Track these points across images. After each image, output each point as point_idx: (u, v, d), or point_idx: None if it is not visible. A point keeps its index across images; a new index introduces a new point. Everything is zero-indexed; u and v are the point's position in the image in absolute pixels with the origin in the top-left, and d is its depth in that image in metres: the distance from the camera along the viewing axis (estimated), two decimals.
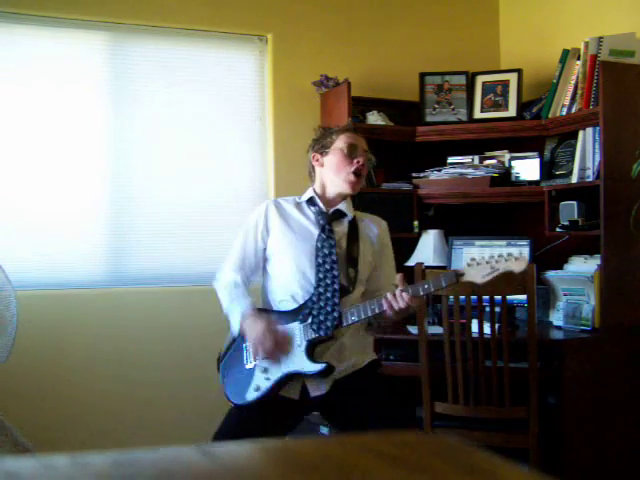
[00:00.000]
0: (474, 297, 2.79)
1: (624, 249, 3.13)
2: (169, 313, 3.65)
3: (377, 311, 2.34)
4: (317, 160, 2.57)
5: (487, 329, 2.74)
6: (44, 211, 3.49)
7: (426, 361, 2.83)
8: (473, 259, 2.31)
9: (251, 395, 2.42)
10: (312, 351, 2.40)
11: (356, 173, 2.50)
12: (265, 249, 2.53)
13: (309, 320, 2.41)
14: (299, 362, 2.39)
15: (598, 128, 3.16)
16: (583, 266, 3.30)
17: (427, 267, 2.93)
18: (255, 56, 3.88)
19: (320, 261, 2.43)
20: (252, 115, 3.86)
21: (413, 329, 3.16)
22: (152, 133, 3.69)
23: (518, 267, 2.26)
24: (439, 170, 3.73)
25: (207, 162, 3.78)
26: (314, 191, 2.57)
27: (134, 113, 3.66)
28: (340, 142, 2.53)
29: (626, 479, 3.09)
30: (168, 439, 3.53)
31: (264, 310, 2.49)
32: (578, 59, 3.36)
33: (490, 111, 3.82)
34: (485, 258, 2.29)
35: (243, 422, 2.43)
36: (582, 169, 3.34)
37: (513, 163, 3.71)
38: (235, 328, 2.45)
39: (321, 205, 2.53)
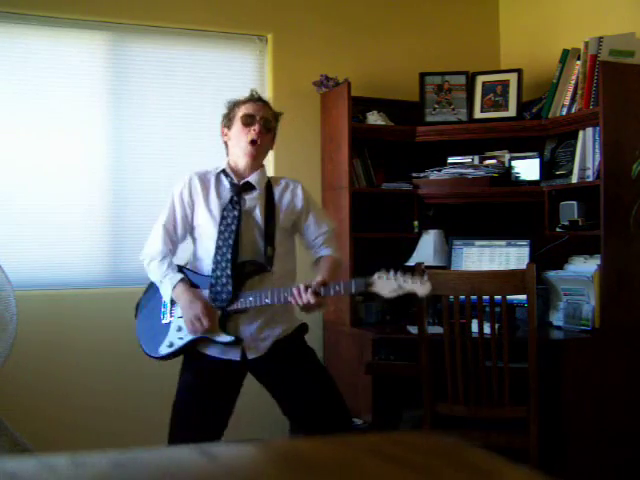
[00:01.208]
0: (474, 297, 2.79)
1: (624, 249, 3.13)
2: None
3: (282, 302, 2.40)
4: (225, 134, 2.64)
5: (487, 329, 2.73)
6: (44, 211, 3.49)
7: (426, 361, 2.83)
8: (384, 272, 2.32)
9: (164, 350, 2.56)
10: (224, 321, 2.47)
11: (252, 142, 2.54)
12: (191, 219, 2.59)
13: (214, 285, 2.47)
14: (211, 329, 2.47)
15: (598, 128, 3.17)
16: (583, 266, 3.30)
17: (427, 267, 2.92)
18: (255, 56, 3.88)
19: (222, 229, 2.48)
20: None
21: (413, 329, 3.16)
22: (152, 133, 3.69)
23: (422, 291, 2.29)
24: (439, 170, 3.73)
25: (207, 162, 3.77)
26: (227, 163, 2.62)
27: (134, 113, 3.66)
28: (239, 113, 2.59)
29: (626, 478, 3.09)
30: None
31: (193, 285, 2.54)
32: (578, 59, 3.36)
33: (490, 111, 3.82)
34: (395, 275, 2.30)
35: (194, 388, 2.53)
36: (582, 169, 3.33)
37: (513, 163, 3.71)
38: (167, 297, 2.55)
39: (232, 176, 2.58)
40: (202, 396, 2.52)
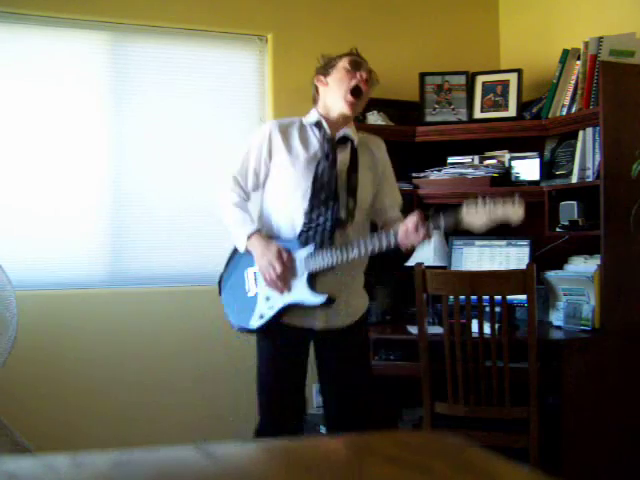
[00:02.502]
0: (474, 297, 2.79)
1: (624, 249, 3.12)
2: (169, 313, 3.65)
3: (372, 251, 2.39)
4: (320, 81, 2.58)
5: (487, 329, 2.74)
6: (44, 211, 3.49)
7: (426, 361, 2.83)
8: (472, 202, 2.24)
9: (255, 322, 2.51)
10: (313, 282, 2.45)
11: (355, 92, 2.50)
12: (268, 173, 2.54)
13: (307, 249, 2.44)
14: (301, 293, 2.45)
15: (598, 128, 3.16)
16: (583, 266, 3.30)
17: (427, 267, 2.92)
18: (255, 56, 3.88)
19: (318, 186, 2.45)
20: (252, 115, 3.86)
21: (413, 329, 3.16)
22: (152, 133, 3.69)
23: (515, 216, 2.21)
24: (439, 170, 3.73)
25: (207, 162, 3.78)
26: (319, 113, 2.56)
27: (134, 113, 3.66)
28: (344, 62, 2.56)
29: (626, 479, 3.09)
30: (168, 439, 3.53)
31: (269, 237, 2.52)
32: (578, 59, 3.35)
33: (490, 111, 3.82)
34: (484, 203, 2.22)
35: (277, 361, 2.51)
36: (582, 169, 3.33)
37: (513, 163, 3.71)
38: (241, 247, 2.51)
39: (327, 129, 2.52)
40: (285, 369, 2.51)
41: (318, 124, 2.53)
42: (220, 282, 2.65)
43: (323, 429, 3.43)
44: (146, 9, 3.63)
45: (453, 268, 3.56)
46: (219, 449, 0.69)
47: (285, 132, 2.52)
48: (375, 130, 3.73)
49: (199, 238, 3.74)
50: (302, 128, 2.54)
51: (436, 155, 3.82)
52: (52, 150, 3.51)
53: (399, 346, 3.20)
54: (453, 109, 3.87)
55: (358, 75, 2.51)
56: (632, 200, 3.00)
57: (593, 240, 3.18)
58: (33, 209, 3.47)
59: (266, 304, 2.50)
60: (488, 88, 3.84)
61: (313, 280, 2.45)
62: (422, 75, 3.90)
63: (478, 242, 3.58)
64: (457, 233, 3.67)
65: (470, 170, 3.67)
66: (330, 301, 2.42)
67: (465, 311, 2.74)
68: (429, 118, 3.88)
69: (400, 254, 2.45)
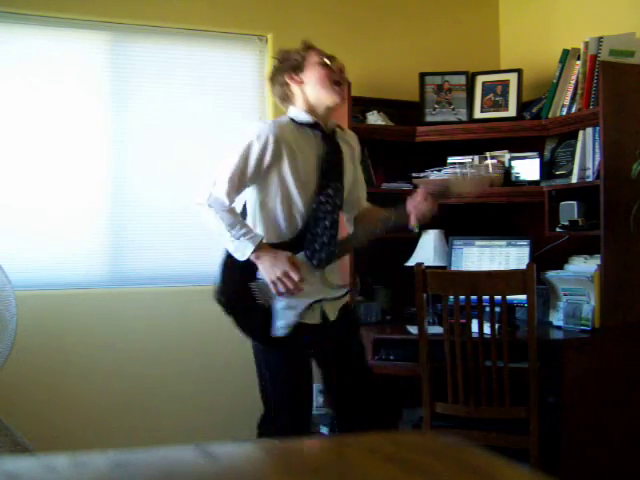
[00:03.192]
0: (474, 297, 2.79)
1: (624, 249, 3.12)
2: (169, 313, 3.65)
3: (377, 232, 2.50)
4: (293, 79, 2.53)
5: (487, 329, 2.74)
6: (44, 211, 3.49)
7: (426, 361, 2.83)
8: (455, 172, 2.49)
9: (279, 332, 2.40)
10: (326, 277, 2.48)
11: (338, 82, 2.53)
12: (265, 178, 2.44)
13: (313, 242, 2.45)
14: (321, 290, 2.45)
15: (598, 128, 3.16)
16: (583, 266, 3.30)
17: (427, 267, 2.92)
18: (255, 56, 3.88)
19: (324, 183, 2.46)
20: (252, 115, 3.86)
21: (413, 329, 3.16)
22: (152, 133, 3.69)
23: (496, 174, 2.49)
24: (439, 170, 3.73)
25: (207, 162, 3.78)
26: (305, 112, 2.52)
27: (134, 113, 3.66)
28: (314, 57, 2.55)
29: (626, 479, 3.09)
30: (168, 439, 3.53)
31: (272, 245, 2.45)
32: (578, 59, 3.35)
33: (490, 111, 3.82)
34: (469, 168, 2.49)
35: (287, 361, 2.46)
36: (582, 169, 3.33)
37: (513, 163, 3.70)
38: (243, 257, 2.37)
39: (323, 126, 2.53)
40: (302, 369, 2.49)
41: (314, 124, 2.52)
42: (220, 299, 2.50)
43: (323, 429, 3.43)
44: (146, 9, 3.63)
45: (453, 268, 3.56)
46: (219, 449, 0.69)
47: (284, 138, 2.44)
48: (375, 130, 3.74)
49: (199, 238, 3.73)
50: (296, 129, 2.49)
51: (436, 155, 3.82)
52: (52, 150, 3.51)
53: (399, 346, 3.20)
54: (453, 109, 3.87)
55: (335, 69, 2.55)
56: (632, 200, 3.00)
57: (593, 240, 3.18)
58: (33, 209, 3.47)
59: (288, 313, 2.40)
60: (488, 88, 3.84)
61: (324, 275, 2.48)
62: (422, 75, 3.90)
63: (478, 242, 3.58)
64: (456, 233, 3.69)
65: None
66: (345, 289, 2.52)
67: (465, 311, 2.74)
68: (429, 118, 3.88)
69: (405, 229, 2.50)
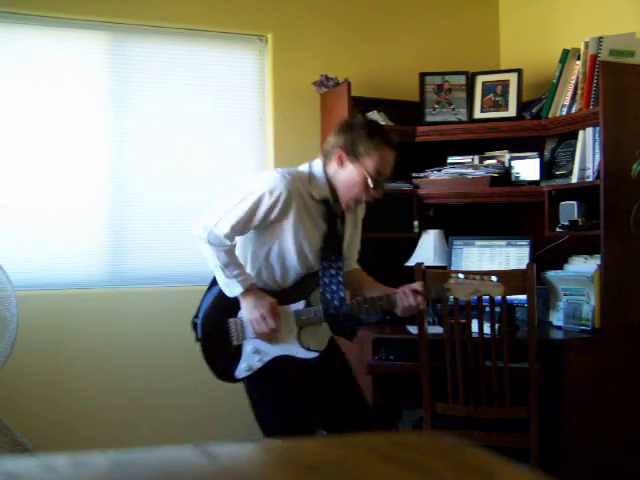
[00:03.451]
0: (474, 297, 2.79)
1: (624, 249, 3.13)
2: (169, 313, 3.64)
3: (372, 311, 2.50)
4: (340, 159, 2.37)
5: (487, 329, 2.74)
6: (44, 211, 3.49)
7: (426, 361, 2.83)
8: (455, 277, 2.50)
9: (241, 373, 2.45)
10: (302, 336, 2.45)
11: (358, 201, 2.44)
12: (268, 226, 2.40)
13: (298, 305, 2.44)
14: (291, 347, 2.44)
15: (598, 128, 3.16)
16: (583, 266, 3.30)
17: (427, 267, 2.92)
18: (255, 56, 3.88)
19: (323, 255, 2.44)
20: (252, 115, 3.86)
21: (413, 329, 3.16)
22: (152, 133, 3.69)
23: (496, 294, 2.54)
24: (439, 170, 3.73)
25: (207, 162, 3.78)
26: (329, 187, 2.41)
27: (134, 113, 3.66)
28: (372, 162, 2.34)
29: (626, 479, 3.09)
30: (168, 439, 3.53)
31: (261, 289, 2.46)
32: (578, 59, 3.35)
33: (490, 111, 3.82)
34: (470, 278, 2.48)
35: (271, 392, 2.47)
36: (582, 169, 3.33)
37: (513, 163, 3.71)
38: (231, 294, 2.40)
39: (334, 207, 2.43)
40: (298, 396, 2.47)
41: (327, 201, 2.43)
42: (194, 327, 2.52)
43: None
44: (146, 9, 3.63)
45: (453, 268, 3.56)
46: (219, 449, 0.69)
47: (297, 195, 2.35)
48: None
49: None
50: (312, 197, 2.40)
51: (436, 155, 3.82)
52: (52, 150, 3.51)
53: (399, 346, 3.20)
54: (453, 109, 3.87)
55: (371, 193, 2.38)
56: (632, 200, 3.00)
57: (593, 240, 3.18)
58: (33, 209, 3.47)
59: (254, 357, 2.44)
60: (488, 88, 3.84)
61: (301, 334, 2.45)
62: (422, 75, 3.90)
63: (478, 242, 3.58)
64: (456, 233, 3.68)
65: (470, 170, 3.67)
66: (321, 357, 2.46)
67: (465, 311, 2.74)
68: (429, 118, 3.88)
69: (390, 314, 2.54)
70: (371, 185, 2.35)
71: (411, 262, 3.56)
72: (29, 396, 3.36)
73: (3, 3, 3.40)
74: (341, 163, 2.38)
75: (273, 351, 2.43)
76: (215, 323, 2.48)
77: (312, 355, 2.43)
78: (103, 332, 3.53)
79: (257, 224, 2.37)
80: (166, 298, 3.66)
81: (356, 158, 2.35)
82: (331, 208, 2.44)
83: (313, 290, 2.48)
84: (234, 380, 2.48)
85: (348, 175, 2.37)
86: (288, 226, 2.37)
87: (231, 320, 2.46)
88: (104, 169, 3.61)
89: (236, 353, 2.46)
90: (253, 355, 2.45)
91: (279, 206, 2.32)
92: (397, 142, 2.43)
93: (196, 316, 2.53)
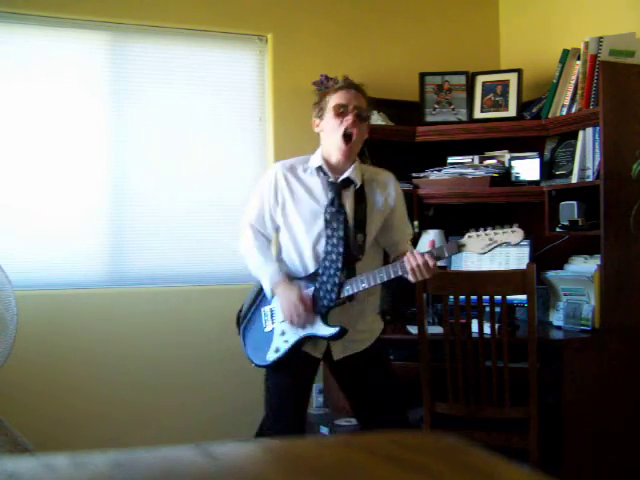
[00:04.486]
0: (474, 297, 2.79)
1: (624, 249, 3.12)
2: (169, 313, 3.65)
3: (380, 280, 2.43)
4: (317, 125, 2.55)
5: (487, 329, 2.74)
6: (44, 211, 3.49)
7: (426, 361, 2.83)
8: (473, 231, 2.41)
9: (271, 356, 2.55)
10: (326, 315, 2.48)
11: (346, 136, 2.46)
12: (277, 218, 2.56)
13: (319, 288, 2.48)
14: (314, 325, 2.49)
15: (598, 128, 3.16)
16: (583, 266, 3.30)
17: None
18: (255, 56, 3.88)
19: (329, 233, 2.46)
20: (252, 115, 3.86)
21: (413, 329, 3.16)
22: (152, 133, 3.69)
23: (515, 239, 2.39)
24: (439, 170, 3.73)
25: (207, 162, 3.78)
26: (321, 156, 2.53)
27: (134, 113, 3.66)
28: (331, 102, 2.50)
29: (626, 478, 3.09)
30: (168, 439, 3.53)
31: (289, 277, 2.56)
32: (578, 59, 3.35)
33: (490, 111, 3.82)
34: (485, 231, 2.40)
35: (290, 389, 2.56)
36: (582, 169, 3.33)
37: (513, 163, 3.71)
38: (267, 292, 2.55)
39: (330, 174, 2.50)
40: (297, 395, 2.57)
41: (320, 169, 2.51)
42: (239, 319, 2.68)
43: (324, 429, 3.43)
44: (146, 9, 3.63)
45: (453, 268, 3.56)
46: (219, 449, 0.69)
47: (289, 177, 2.52)
48: (375, 130, 3.73)
49: (199, 238, 3.74)
50: (307, 171, 2.53)
51: (436, 155, 3.82)
52: (52, 150, 3.51)
53: (399, 346, 3.20)
54: (453, 109, 3.87)
55: (345, 120, 2.45)
56: (632, 200, 3.00)
57: (593, 240, 3.18)
58: (33, 209, 3.47)
59: (281, 338, 2.54)
60: (488, 88, 3.84)
61: (326, 313, 2.49)
62: (422, 75, 3.90)
63: None
64: (456, 233, 3.68)
65: (470, 170, 3.67)
66: (342, 332, 2.46)
67: (465, 311, 2.74)
68: (429, 118, 3.88)
69: (407, 282, 2.48)
70: (337, 114, 2.46)
71: None
72: (29, 396, 3.36)
73: (3, 3, 3.40)
74: (319, 127, 2.55)
75: (297, 332, 2.51)
76: (252, 314, 2.63)
77: (334, 331, 2.46)
78: (103, 332, 3.53)
79: (273, 213, 2.55)
80: (166, 298, 3.66)
81: (321, 111, 2.53)
82: (327, 176, 2.51)
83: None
84: (267, 365, 2.58)
85: (325, 126, 2.51)
86: (289, 206, 2.50)
87: (263, 308, 2.60)
88: (104, 169, 3.61)
89: (269, 338, 2.57)
90: (280, 337, 2.54)
91: (272, 185, 2.52)
92: (350, 83, 2.58)
93: (240, 310, 2.69)
